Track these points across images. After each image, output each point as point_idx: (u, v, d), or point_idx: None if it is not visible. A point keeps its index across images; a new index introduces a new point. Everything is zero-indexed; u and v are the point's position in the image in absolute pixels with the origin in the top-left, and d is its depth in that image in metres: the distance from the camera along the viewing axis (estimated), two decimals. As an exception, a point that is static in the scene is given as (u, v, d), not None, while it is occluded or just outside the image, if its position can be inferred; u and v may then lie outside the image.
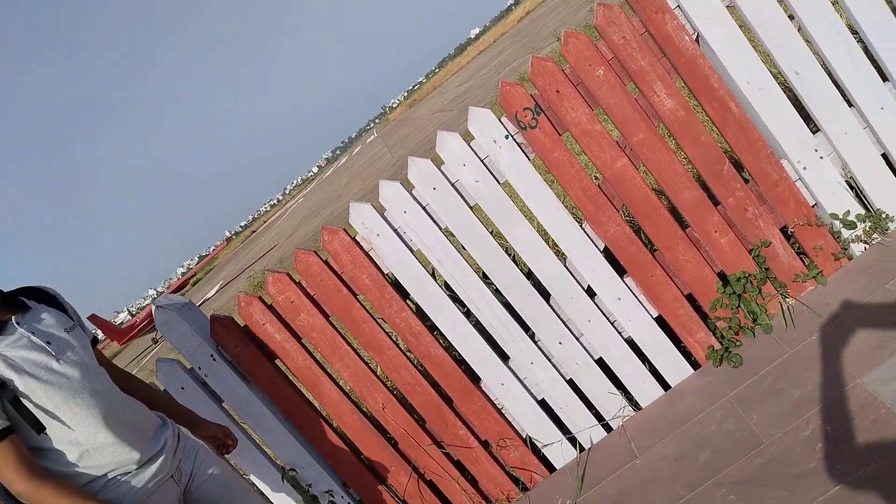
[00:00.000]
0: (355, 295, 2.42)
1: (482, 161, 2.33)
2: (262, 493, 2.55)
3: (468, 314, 2.58)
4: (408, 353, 2.54)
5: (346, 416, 2.52)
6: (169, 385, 2.44)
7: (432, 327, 2.51)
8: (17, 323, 1.83)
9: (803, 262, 2.45)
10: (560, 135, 2.34)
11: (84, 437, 1.84)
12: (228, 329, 2.42)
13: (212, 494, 2.07)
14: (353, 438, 2.54)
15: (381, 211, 2.37)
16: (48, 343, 1.84)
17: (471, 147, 2.33)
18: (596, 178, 2.44)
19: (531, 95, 2.31)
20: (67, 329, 1.92)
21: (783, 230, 2.45)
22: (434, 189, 2.33)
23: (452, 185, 2.35)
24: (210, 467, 2.10)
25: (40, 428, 1.78)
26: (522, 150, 2.34)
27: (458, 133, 2.31)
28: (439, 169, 2.34)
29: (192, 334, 2.40)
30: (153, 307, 2.44)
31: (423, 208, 2.36)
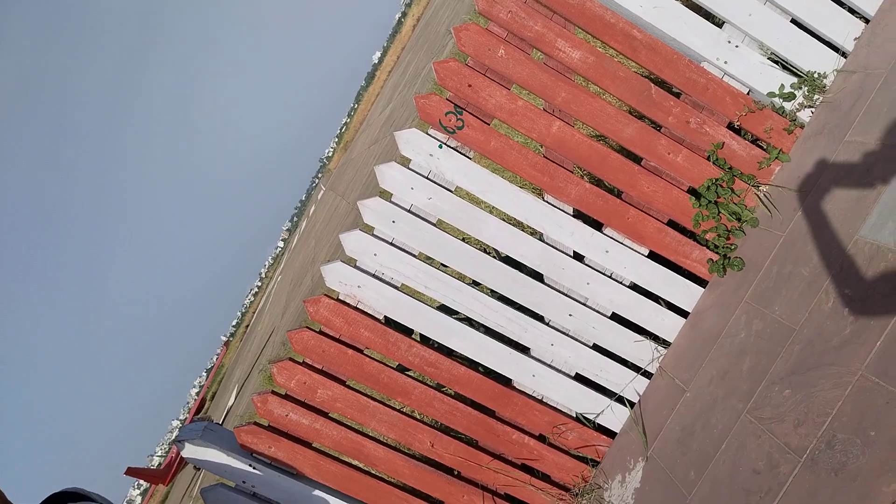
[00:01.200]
0: (361, 351, 2.40)
1: (427, 178, 2.33)
2: None
3: (473, 325, 2.56)
4: (434, 385, 2.52)
5: (402, 468, 2.49)
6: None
7: (446, 351, 2.49)
8: None
9: (762, 148, 2.47)
10: (489, 124, 2.35)
11: None
12: (255, 434, 2.39)
13: None
14: (416, 486, 2.51)
15: (352, 263, 2.36)
16: None
17: (411, 169, 2.32)
18: (539, 149, 2.45)
19: (447, 99, 2.31)
20: None
21: (730, 127, 2.47)
22: (394, 222, 2.33)
23: (409, 211, 2.34)
24: None
25: None
26: (460, 153, 2.34)
27: (394, 162, 2.31)
28: (390, 202, 2.33)
29: (224, 454, 2.36)
30: (175, 445, 2.40)
31: (391, 244, 2.35)
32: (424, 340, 2.50)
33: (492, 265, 2.41)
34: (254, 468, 2.38)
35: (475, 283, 2.54)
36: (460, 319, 2.48)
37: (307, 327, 2.37)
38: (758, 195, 2.45)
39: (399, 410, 2.47)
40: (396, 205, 2.33)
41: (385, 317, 2.40)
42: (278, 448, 2.39)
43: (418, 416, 2.53)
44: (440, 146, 2.32)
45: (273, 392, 2.39)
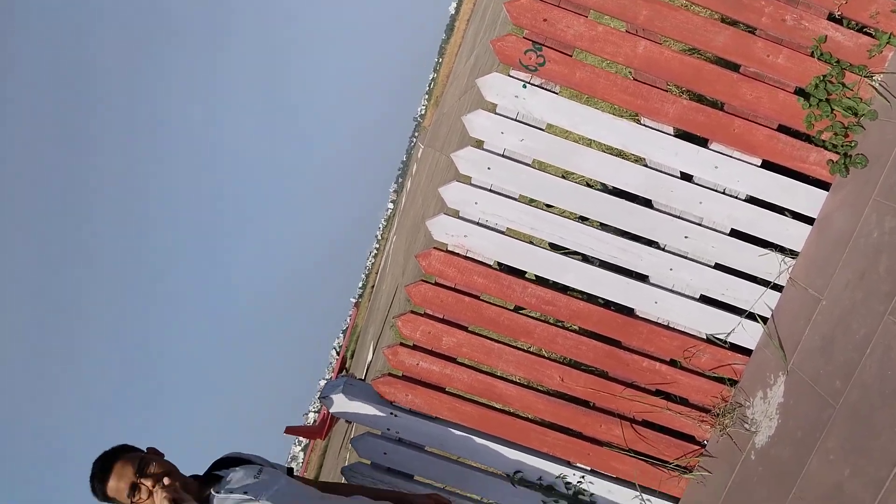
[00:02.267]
0: (478, 297, 2.48)
1: (516, 120, 2.33)
2: None
3: (587, 260, 2.57)
4: (555, 323, 2.56)
5: (535, 404, 2.57)
6: (371, 456, 2.61)
7: (561, 288, 2.52)
8: (217, 492, 2.07)
9: (869, 35, 2.26)
10: (571, 55, 2.30)
11: None
12: (391, 385, 2.54)
13: None
14: (551, 419, 2.59)
15: (455, 214, 2.42)
16: (245, 493, 2.05)
17: (498, 114, 2.33)
18: (629, 74, 2.37)
19: (524, 37, 2.28)
20: (255, 475, 2.13)
21: (831, 18, 2.27)
22: (489, 169, 2.36)
23: (503, 155, 2.36)
24: None
25: None
26: (546, 89, 2.31)
27: (480, 109, 2.32)
28: (483, 149, 2.35)
29: (365, 406, 2.55)
30: (322, 402, 2.63)
31: (490, 190, 2.39)
32: (540, 281, 2.54)
33: (596, 197, 2.39)
34: (396, 416, 2.55)
35: (582, 219, 2.53)
36: (571, 255, 2.49)
37: (423, 280, 2.47)
38: (872, 85, 2.25)
39: (525, 350, 2.55)
40: (489, 151, 2.35)
41: (496, 262, 2.46)
42: (414, 395, 2.54)
43: (546, 354, 2.59)
44: (524, 86, 2.30)
45: (402, 344, 2.53)
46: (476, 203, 2.39)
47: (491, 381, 2.55)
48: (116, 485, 1.97)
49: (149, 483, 1.97)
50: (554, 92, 2.32)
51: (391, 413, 2.56)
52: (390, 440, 2.61)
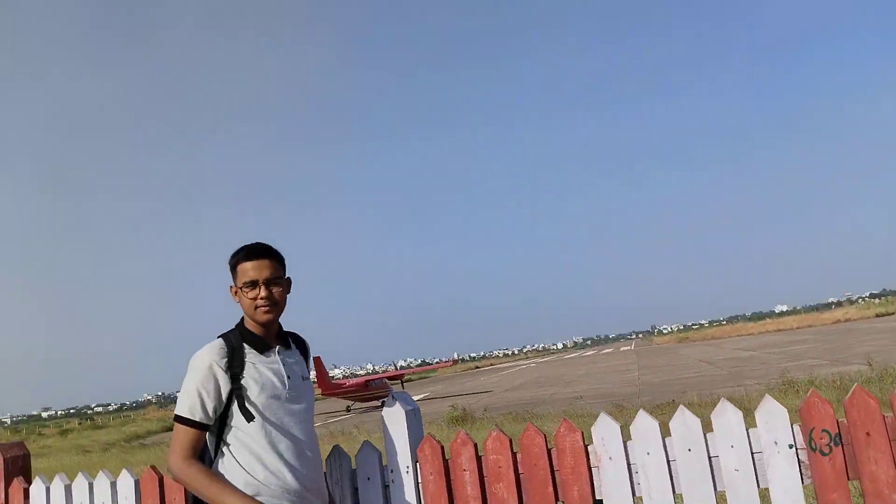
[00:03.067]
0: (556, 496, 2.35)
1: (752, 452, 2.16)
2: None
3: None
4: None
5: None
6: (360, 469, 2.59)
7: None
8: (278, 352, 2.30)
9: None
10: (848, 478, 2.08)
11: (269, 459, 2.15)
12: (436, 455, 2.50)
13: None
14: None
15: (625, 439, 2.31)
16: (288, 378, 2.26)
17: (748, 432, 2.18)
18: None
19: (837, 422, 2.11)
20: (304, 377, 2.36)
21: None
22: (690, 451, 2.21)
23: (709, 456, 2.20)
24: None
25: (250, 418, 2.16)
26: (800, 469, 2.12)
27: (739, 410, 2.19)
28: (704, 435, 2.22)
29: (405, 437, 2.54)
30: (391, 393, 2.67)
31: (668, 463, 2.24)
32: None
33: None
34: (407, 471, 2.52)
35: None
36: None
37: (581, 433, 2.39)
38: None
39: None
40: (707, 441, 2.21)
41: (600, 498, 2.31)
42: (434, 481, 2.48)
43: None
44: (790, 446, 2.12)
45: (475, 445, 2.47)
46: (648, 454, 2.26)
47: (484, 550, 2.40)
48: (251, 268, 2.24)
49: (265, 291, 2.22)
50: (802, 478, 2.12)
51: (407, 466, 2.52)
52: (382, 477, 2.57)
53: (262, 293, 2.22)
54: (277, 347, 2.31)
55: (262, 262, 2.26)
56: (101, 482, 3.01)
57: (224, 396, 2.16)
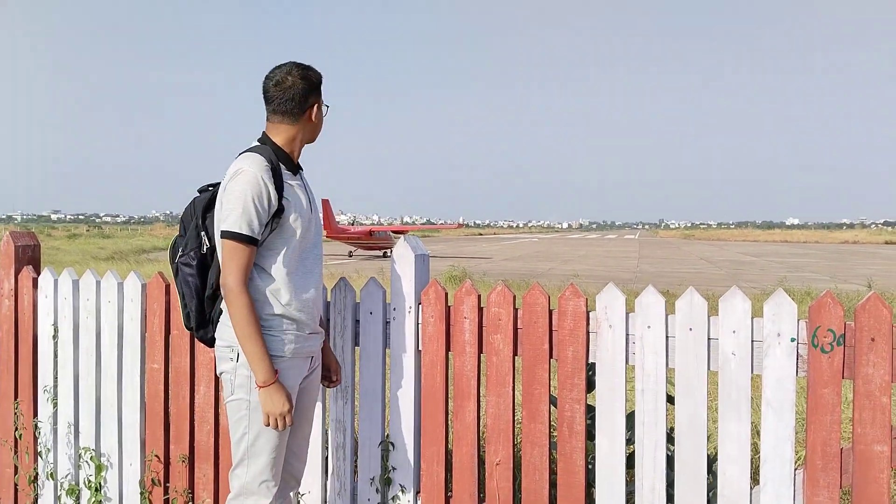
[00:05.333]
0: (551, 354, 2.40)
1: (753, 340, 2.18)
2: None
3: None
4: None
5: (464, 445, 2.51)
6: (364, 302, 2.63)
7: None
8: (301, 176, 2.28)
9: None
10: (842, 377, 2.10)
11: (296, 283, 2.16)
12: (439, 300, 2.52)
13: (302, 399, 2.30)
14: (455, 469, 2.53)
15: (628, 310, 2.32)
16: (310, 202, 2.27)
17: (752, 321, 2.18)
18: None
19: (845, 324, 2.10)
20: (314, 206, 2.35)
21: None
22: (690, 330, 2.23)
23: (709, 338, 2.22)
24: (316, 383, 2.38)
25: (278, 252, 2.13)
26: (797, 362, 2.14)
27: (749, 298, 2.18)
28: (709, 317, 2.22)
29: (411, 280, 2.56)
30: (403, 236, 2.66)
31: (667, 337, 2.26)
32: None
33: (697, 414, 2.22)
34: (409, 311, 2.57)
35: (669, 434, 2.37)
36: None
37: (578, 291, 2.40)
38: None
39: (514, 414, 2.46)
40: (710, 323, 2.22)
41: (591, 362, 2.35)
42: (435, 324, 2.54)
43: (517, 444, 2.50)
44: (792, 339, 2.13)
45: (479, 296, 2.49)
46: (648, 327, 2.28)
47: (471, 394, 2.50)
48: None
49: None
50: (797, 370, 2.15)
51: (409, 306, 2.57)
52: (384, 314, 2.63)
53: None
54: (300, 172, 2.29)
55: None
56: (109, 281, 3.07)
57: (271, 214, 2.08)
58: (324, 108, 2.24)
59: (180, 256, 2.21)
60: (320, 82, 2.21)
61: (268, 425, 2.07)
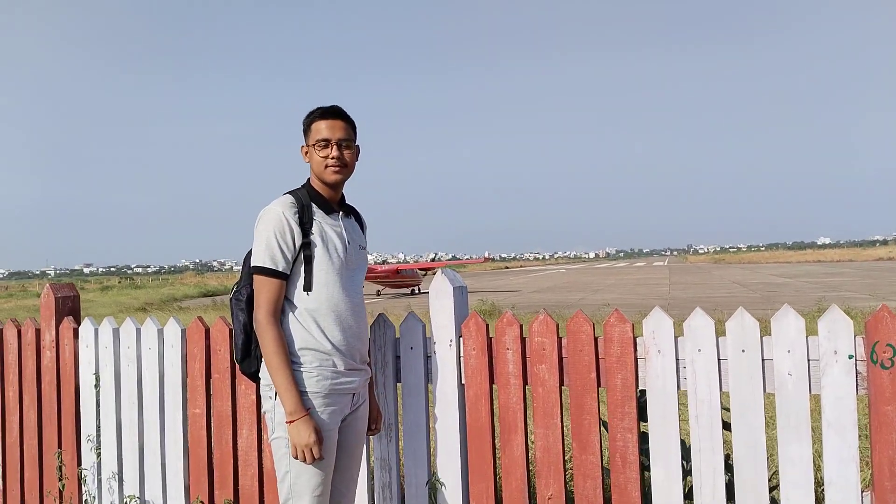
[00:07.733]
0: (599, 382, 2.34)
1: (809, 359, 2.10)
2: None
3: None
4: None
5: (513, 480, 2.44)
6: (404, 337, 2.61)
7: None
8: (340, 217, 2.29)
9: None
10: (906, 395, 2.01)
11: (328, 320, 2.17)
12: (480, 332, 2.49)
13: (348, 437, 2.28)
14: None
15: (676, 334, 2.26)
16: (348, 242, 2.27)
17: (807, 339, 2.11)
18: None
19: (903, 338, 2.02)
20: (361, 246, 2.37)
21: None
22: (743, 351, 2.16)
23: (763, 359, 2.15)
24: (363, 422, 2.36)
25: (309, 288, 2.17)
26: (856, 379, 2.06)
27: (801, 318, 2.11)
28: (761, 338, 2.15)
29: (451, 313, 2.53)
30: (440, 270, 2.64)
31: (719, 360, 2.20)
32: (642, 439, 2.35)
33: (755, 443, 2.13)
34: (450, 345, 2.53)
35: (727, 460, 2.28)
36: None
37: (590, 322, 2.34)
38: None
39: (564, 453, 2.39)
40: (755, 343, 2.15)
41: (643, 389, 2.29)
42: (477, 356, 2.50)
43: (569, 470, 2.42)
44: (850, 356, 2.05)
45: (521, 326, 2.45)
46: (699, 350, 2.21)
47: (519, 427, 2.44)
48: (325, 127, 2.24)
49: (336, 151, 2.19)
50: (857, 390, 2.06)
51: (450, 340, 2.53)
52: (425, 348, 2.60)
53: (334, 153, 2.20)
54: (341, 213, 2.30)
55: (336, 123, 2.24)
56: (149, 328, 3.10)
57: (297, 249, 2.15)
58: (316, 149, 2.21)
59: (234, 293, 2.26)
60: (306, 126, 2.26)
61: (296, 457, 2.07)
